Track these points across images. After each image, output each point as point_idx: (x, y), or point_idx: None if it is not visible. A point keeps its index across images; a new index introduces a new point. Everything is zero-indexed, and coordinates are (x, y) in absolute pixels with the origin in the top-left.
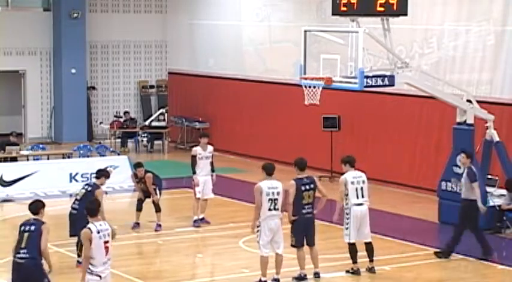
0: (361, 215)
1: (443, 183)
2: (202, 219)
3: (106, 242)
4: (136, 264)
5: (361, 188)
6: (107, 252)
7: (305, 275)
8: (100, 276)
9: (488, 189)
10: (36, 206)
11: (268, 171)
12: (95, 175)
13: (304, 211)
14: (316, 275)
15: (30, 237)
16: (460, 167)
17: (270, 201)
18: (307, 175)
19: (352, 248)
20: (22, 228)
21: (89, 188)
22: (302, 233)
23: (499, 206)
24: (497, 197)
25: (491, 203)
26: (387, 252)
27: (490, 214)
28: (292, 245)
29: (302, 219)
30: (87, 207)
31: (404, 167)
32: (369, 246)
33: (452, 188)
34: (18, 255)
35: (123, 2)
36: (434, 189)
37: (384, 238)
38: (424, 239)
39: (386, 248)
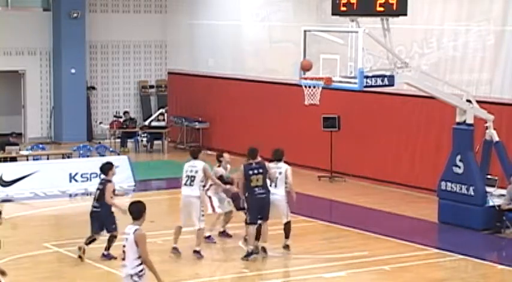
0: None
1: (443, 183)
2: (224, 232)
3: (123, 246)
4: None
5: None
6: (123, 256)
7: (252, 250)
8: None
9: (488, 189)
10: None
11: (193, 155)
12: (101, 172)
13: (255, 193)
14: (263, 249)
15: None
16: (459, 167)
17: (187, 177)
18: (258, 160)
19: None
20: None
21: (101, 186)
22: (256, 212)
23: (499, 206)
24: (497, 197)
25: (491, 203)
26: (387, 252)
27: (490, 214)
28: (246, 223)
29: (255, 199)
30: (129, 211)
31: (404, 167)
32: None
33: (452, 188)
34: None
35: (123, 2)
36: (434, 189)
37: (384, 238)
38: (424, 239)
39: (387, 248)
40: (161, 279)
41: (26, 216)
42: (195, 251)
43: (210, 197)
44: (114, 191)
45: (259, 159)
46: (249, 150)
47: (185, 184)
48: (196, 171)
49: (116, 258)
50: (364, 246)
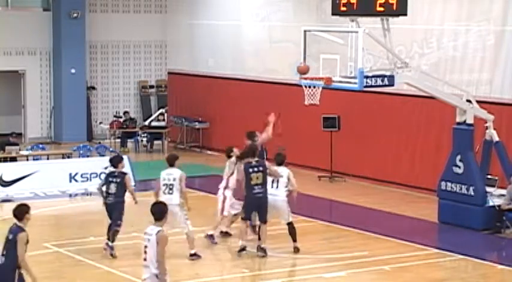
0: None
1: (443, 183)
2: (226, 233)
3: (145, 246)
4: (137, 264)
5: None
6: (144, 256)
7: (245, 247)
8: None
9: (488, 189)
10: (21, 211)
11: (170, 161)
12: (111, 165)
13: (254, 191)
14: (262, 249)
15: (9, 245)
16: (459, 167)
17: (165, 186)
18: (257, 160)
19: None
20: (7, 233)
21: (118, 180)
22: (252, 210)
23: (499, 206)
24: (497, 197)
25: (491, 203)
26: (387, 252)
27: (490, 214)
28: (241, 218)
29: (253, 198)
30: (151, 211)
31: (404, 167)
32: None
33: (452, 188)
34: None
35: (123, 2)
36: (434, 189)
37: (384, 238)
38: (424, 239)
39: (387, 248)
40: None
41: None
42: (191, 254)
43: (225, 197)
44: None
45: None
46: (248, 149)
47: (164, 193)
48: (174, 179)
49: (116, 257)
50: (364, 246)
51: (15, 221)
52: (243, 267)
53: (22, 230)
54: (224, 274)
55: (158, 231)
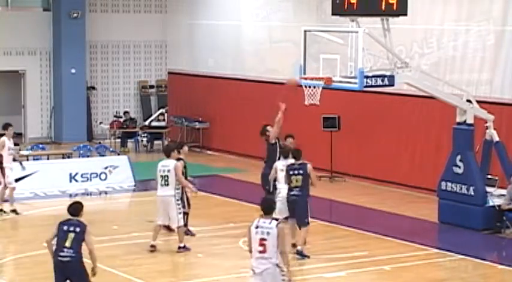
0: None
1: (443, 183)
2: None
3: (262, 239)
4: (137, 264)
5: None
6: (261, 249)
7: (293, 244)
8: (254, 271)
9: (488, 189)
10: (77, 209)
11: (166, 153)
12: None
13: (291, 192)
14: (298, 252)
15: (75, 238)
16: (460, 167)
17: (161, 177)
18: (301, 162)
19: None
20: (65, 227)
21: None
22: (290, 212)
23: (499, 206)
24: (497, 197)
25: (491, 203)
26: (387, 252)
27: (490, 214)
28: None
29: (288, 200)
30: (261, 206)
31: (404, 167)
32: None
33: (452, 188)
34: (62, 254)
35: (123, 2)
36: (434, 189)
37: (384, 238)
38: (424, 239)
39: (387, 248)
40: (291, 271)
41: (26, 216)
42: (180, 247)
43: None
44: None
45: (301, 160)
46: (293, 152)
47: (161, 185)
48: (169, 170)
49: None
50: (364, 246)
51: (69, 216)
52: (243, 267)
53: (84, 223)
54: (224, 274)
55: (278, 224)
